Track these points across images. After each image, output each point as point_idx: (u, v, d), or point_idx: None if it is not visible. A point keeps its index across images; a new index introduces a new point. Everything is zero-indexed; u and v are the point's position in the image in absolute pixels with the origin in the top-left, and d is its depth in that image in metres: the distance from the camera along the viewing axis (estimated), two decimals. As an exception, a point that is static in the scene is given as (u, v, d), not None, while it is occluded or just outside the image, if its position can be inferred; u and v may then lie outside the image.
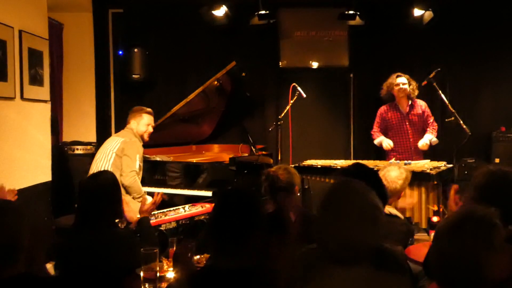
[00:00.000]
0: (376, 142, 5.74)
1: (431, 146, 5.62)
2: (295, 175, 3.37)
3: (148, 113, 4.77)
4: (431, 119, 5.64)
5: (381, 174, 3.35)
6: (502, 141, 6.48)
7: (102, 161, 4.45)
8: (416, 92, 5.62)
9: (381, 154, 5.93)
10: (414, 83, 5.60)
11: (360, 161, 5.30)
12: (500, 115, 6.83)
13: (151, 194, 3.89)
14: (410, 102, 5.61)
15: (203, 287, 1.92)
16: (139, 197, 4.31)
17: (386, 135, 5.71)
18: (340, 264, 1.77)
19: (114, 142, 4.55)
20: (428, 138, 5.53)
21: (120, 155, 4.43)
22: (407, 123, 5.61)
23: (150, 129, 4.77)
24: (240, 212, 1.96)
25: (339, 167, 5.07)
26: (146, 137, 4.74)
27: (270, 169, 3.47)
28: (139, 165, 4.50)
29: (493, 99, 6.91)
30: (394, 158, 5.26)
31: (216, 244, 1.97)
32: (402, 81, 5.55)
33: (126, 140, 4.52)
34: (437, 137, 5.62)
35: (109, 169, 4.24)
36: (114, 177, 2.97)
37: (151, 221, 3.58)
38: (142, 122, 4.71)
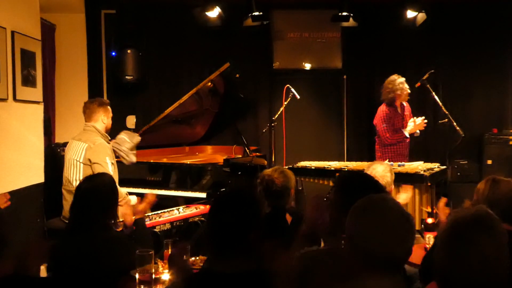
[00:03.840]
0: (407, 132, 5.47)
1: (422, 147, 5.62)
2: (291, 178, 3.34)
3: (108, 103, 4.54)
4: None
5: (368, 172, 3.36)
6: (494, 143, 6.52)
7: (72, 172, 4.25)
8: None
9: (373, 154, 5.94)
10: None
11: (354, 163, 5.36)
12: (492, 117, 6.89)
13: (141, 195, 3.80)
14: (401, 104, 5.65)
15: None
16: (121, 200, 3.97)
17: None
18: (379, 272, 1.74)
19: (77, 150, 4.27)
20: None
21: (89, 164, 4.18)
22: (403, 124, 5.60)
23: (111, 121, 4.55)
24: (238, 214, 1.94)
25: (333, 168, 5.08)
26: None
27: (265, 172, 3.40)
28: (112, 165, 4.25)
29: (485, 101, 6.97)
30: (387, 159, 5.26)
31: (213, 247, 1.95)
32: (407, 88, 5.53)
33: (90, 146, 4.21)
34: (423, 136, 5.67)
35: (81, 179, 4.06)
36: (111, 179, 2.94)
37: (146, 223, 3.55)
38: (109, 115, 4.48)
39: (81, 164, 4.22)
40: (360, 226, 1.79)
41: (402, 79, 5.50)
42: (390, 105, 5.53)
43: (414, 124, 5.46)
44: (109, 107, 4.52)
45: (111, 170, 4.17)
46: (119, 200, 3.95)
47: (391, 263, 1.75)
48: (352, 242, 1.80)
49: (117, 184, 3.89)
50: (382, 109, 5.54)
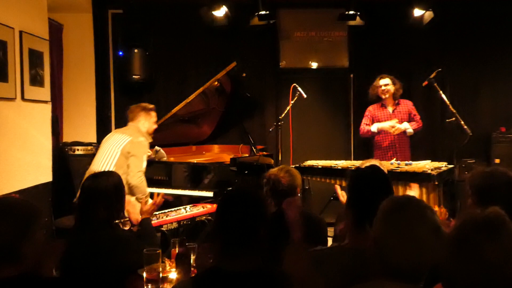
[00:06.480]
0: (373, 129, 5.64)
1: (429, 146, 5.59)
2: (297, 177, 3.31)
3: (154, 109, 4.79)
4: (418, 117, 5.70)
5: None
6: (502, 142, 6.49)
7: (105, 159, 4.39)
8: (400, 92, 5.69)
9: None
10: (398, 83, 5.68)
11: (361, 162, 5.34)
12: (500, 115, 6.85)
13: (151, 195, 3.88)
14: (396, 102, 5.70)
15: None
16: (143, 197, 4.24)
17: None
18: (399, 280, 1.70)
19: (120, 140, 4.46)
20: (404, 125, 5.60)
21: (127, 155, 4.36)
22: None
23: (155, 126, 4.81)
24: (245, 213, 1.94)
25: (339, 167, 5.07)
26: (151, 133, 4.78)
27: (271, 172, 3.36)
28: (145, 163, 4.47)
29: (492, 99, 6.93)
30: (395, 158, 5.25)
31: (221, 246, 1.95)
32: (384, 82, 5.66)
33: (133, 140, 4.45)
34: (416, 132, 5.68)
35: (111, 168, 4.21)
36: (118, 177, 2.94)
37: (153, 222, 3.57)
38: (152, 121, 4.73)
39: (118, 153, 4.38)
40: (387, 229, 1.73)
41: (377, 79, 5.74)
42: (378, 103, 5.77)
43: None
44: (152, 112, 4.73)
45: (144, 167, 4.43)
46: (143, 196, 4.13)
47: (413, 272, 1.71)
48: (377, 244, 1.75)
49: (145, 182, 4.35)
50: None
